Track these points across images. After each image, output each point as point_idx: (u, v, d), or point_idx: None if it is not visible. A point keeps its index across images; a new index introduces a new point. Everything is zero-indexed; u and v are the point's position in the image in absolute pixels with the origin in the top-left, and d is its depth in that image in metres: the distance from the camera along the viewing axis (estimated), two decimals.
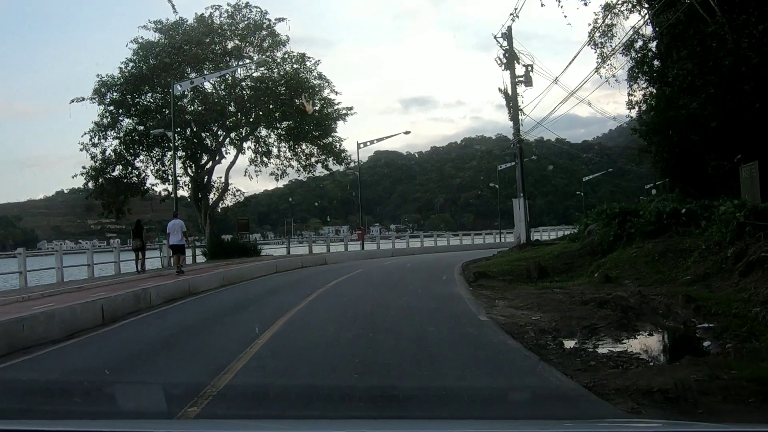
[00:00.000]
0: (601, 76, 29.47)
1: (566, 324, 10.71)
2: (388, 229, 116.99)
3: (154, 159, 33.96)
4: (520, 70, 28.73)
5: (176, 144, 33.55)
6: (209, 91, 33.99)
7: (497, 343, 9.12)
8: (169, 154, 34.61)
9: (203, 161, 34.32)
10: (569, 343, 9.45)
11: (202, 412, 5.75)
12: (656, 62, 26.83)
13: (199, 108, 32.75)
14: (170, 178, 34.40)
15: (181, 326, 12.25)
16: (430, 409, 6.08)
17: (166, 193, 35.01)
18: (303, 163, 35.37)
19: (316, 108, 33.27)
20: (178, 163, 34.26)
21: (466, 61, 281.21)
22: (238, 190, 35.95)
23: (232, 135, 34.55)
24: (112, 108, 34.00)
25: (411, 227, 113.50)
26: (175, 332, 11.47)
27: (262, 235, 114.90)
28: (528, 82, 28.09)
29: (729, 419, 5.40)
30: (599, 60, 29.31)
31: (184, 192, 34.95)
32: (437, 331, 9.98)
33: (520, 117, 28.08)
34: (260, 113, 32.69)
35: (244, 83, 33.76)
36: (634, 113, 29.00)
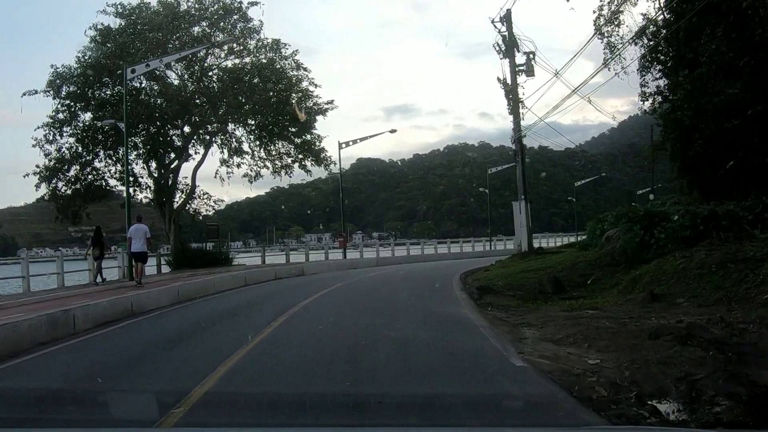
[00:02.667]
0: (609, 69, 26.29)
1: (645, 372, 7.08)
2: (370, 236, 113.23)
3: (114, 159, 29.93)
4: (520, 59, 25.30)
5: (136, 141, 29.72)
6: (176, 83, 30.11)
7: (565, 416, 5.46)
8: (133, 153, 30.76)
9: (167, 161, 30.31)
10: (670, 410, 5.92)
11: None
12: (669, 49, 23.61)
13: (162, 102, 28.75)
14: (133, 180, 30.56)
15: (87, 371, 8.45)
16: None
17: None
18: (278, 163, 31.47)
19: (294, 101, 29.44)
20: (139, 162, 30.42)
21: (449, 70, 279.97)
22: (205, 193, 31.86)
23: (201, 132, 30.50)
24: (68, 102, 30.08)
25: (394, 235, 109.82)
26: (68, 384, 7.67)
27: (244, 242, 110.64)
28: (529, 71, 24.65)
29: None
30: (606, 50, 26.23)
31: (147, 195, 31.02)
32: (459, 393, 6.28)
33: (520, 110, 24.55)
34: (231, 107, 28.61)
35: (212, 73, 29.80)
36: (647, 105, 25.77)
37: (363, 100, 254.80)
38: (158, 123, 28.82)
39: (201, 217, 33.63)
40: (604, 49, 26.44)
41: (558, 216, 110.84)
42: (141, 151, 29.79)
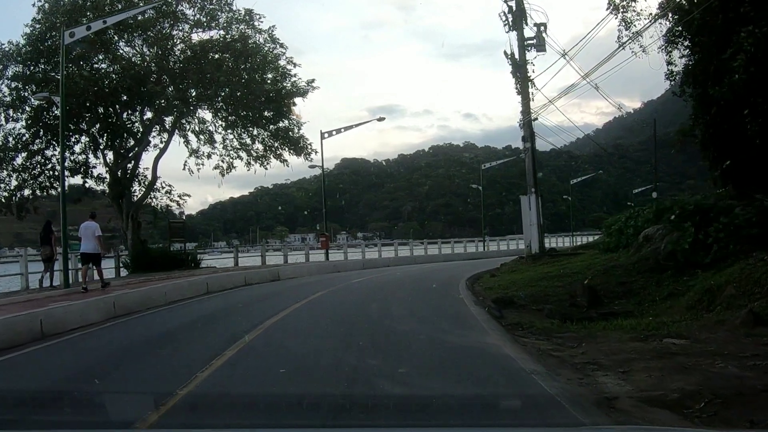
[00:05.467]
0: (624, 47, 22.74)
1: None
2: (355, 237, 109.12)
3: (67, 146, 25.58)
4: (528, 33, 21.56)
5: (90, 126, 25.49)
6: (137, 61, 25.73)
7: None
8: (92, 143, 26.44)
9: (125, 148, 25.93)
10: None
11: None
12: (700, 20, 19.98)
13: (114, 76, 24.40)
14: (85, 170, 26.35)
15: None
16: None
17: (82, 187, 26.90)
18: (253, 153, 27.22)
19: (268, 80, 25.25)
20: (97, 151, 26.16)
21: (434, 71, 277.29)
22: (166, 186, 27.47)
23: (163, 116, 26.13)
24: (15, 83, 25.88)
25: (379, 235, 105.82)
26: None
27: (228, 243, 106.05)
28: (540, 46, 20.93)
29: None
30: (622, 26, 22.72)
31: (97, 186, 26.78)
32: None
33: (530, 90, 20.75)
34: (194, 84, 24.20)
35: (177, 49, 25.38)
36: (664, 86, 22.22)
37: (347, 101, 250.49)
38: (111, 101, 24.35)
39: (177, 212, 29.57)
40: (618, 25, 23.07)
41: (543, 216, 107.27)
42: (95, 139, 25.51)
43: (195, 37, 25.39)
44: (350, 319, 10.35)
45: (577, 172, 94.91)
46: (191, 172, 27.57)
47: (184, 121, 26.49)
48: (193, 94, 25.29)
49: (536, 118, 20.73)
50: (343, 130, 31.18)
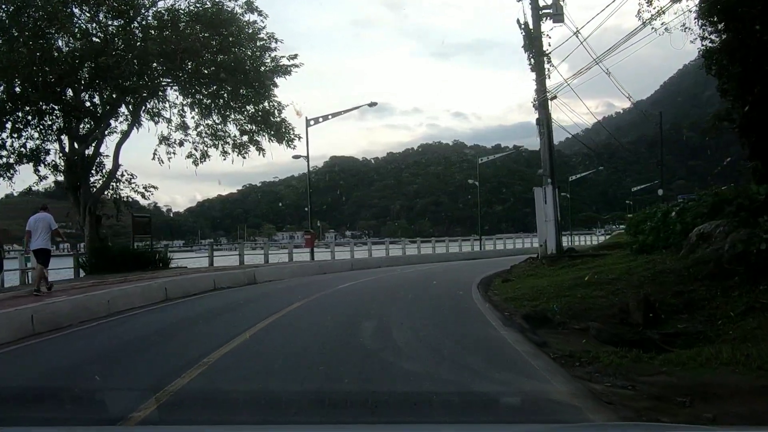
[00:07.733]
0: (645, 23, 19.87)
1: None
2: (343, 235, 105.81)
3: (15, 128, 22.16)
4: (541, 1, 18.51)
5: (42, 107, 22.02)
6: (100, 35, 22.31)
7: None
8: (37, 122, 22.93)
9: (83, 132, 22.48)
10: None
11: None
12: None
13: (70, 53, 20.97)
14: (37, 156, 22.90)
15: None
16: None
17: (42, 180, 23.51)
18: (229, 141, 23.93)
19: (247, 54, 21.92)
20: (36, 130, 22.72)
21: (424, 69, 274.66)
22: (127, 175, 23.94)
23: (126, 95, 22.61)
24: None
25: (367, 233, 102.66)
26: None
27: (215, 240, 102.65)
28: (557, 16, 17.89)
29: None
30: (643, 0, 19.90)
31: (53, 176, 23.36)
32: None
33: (546, 67, 17.68)
34: (152, 56, 20.65)
35: (140, 17, 21.89)
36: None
37: (337, 99, 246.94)
38: (59, 74, 20.77)
39: (164, 208, 26.30)
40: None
41: (532, 215, 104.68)
42: (43, 118, 22.08)
43: (162, 4, 21.94)
44: (332, 351, 7.13)
45: (571, 170, 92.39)
46: (161, 161, 24.34)
47: (150, 103, 23.15)
48: (158, 68, 21.88)
49: (555, 97, 17.62)
50: (330, 116, 27.94)
